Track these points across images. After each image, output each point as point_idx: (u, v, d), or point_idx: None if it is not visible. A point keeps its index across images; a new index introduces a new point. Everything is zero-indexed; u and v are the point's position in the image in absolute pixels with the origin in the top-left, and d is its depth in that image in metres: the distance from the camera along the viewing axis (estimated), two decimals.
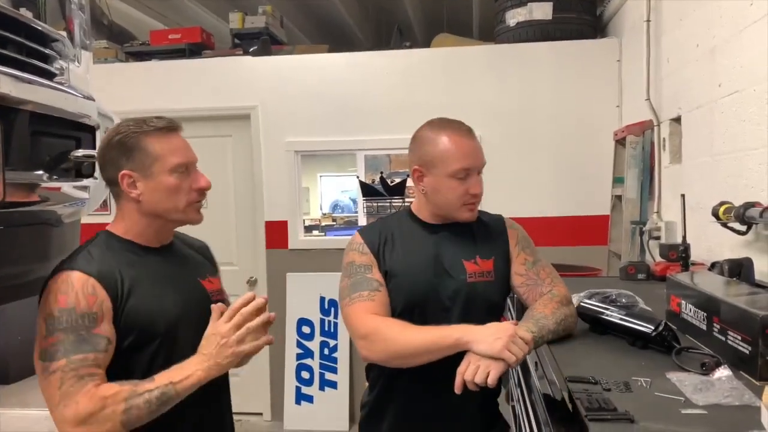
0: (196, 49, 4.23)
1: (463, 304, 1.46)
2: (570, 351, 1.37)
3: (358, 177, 4.04)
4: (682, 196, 2.00)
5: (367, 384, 1.58)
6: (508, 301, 2.38)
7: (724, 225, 1.88)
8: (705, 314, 1.32)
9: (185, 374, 1.18)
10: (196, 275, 1.40)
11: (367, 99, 3.86)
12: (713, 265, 1.96)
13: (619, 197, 3.11)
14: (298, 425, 3.85)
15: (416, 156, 1.51)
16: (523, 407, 1.84)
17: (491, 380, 1.24)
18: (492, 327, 1.29)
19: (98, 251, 1.25)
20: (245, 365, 1.32)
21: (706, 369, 1.16)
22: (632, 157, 2.82)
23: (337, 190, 9.44)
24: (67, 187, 1.30)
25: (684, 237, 1.98)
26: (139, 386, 1.15)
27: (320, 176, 9.54)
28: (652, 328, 1.31)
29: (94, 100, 1.38)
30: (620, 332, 1.43)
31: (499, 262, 1.53)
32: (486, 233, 1.56)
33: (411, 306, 1.44)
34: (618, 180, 3.14)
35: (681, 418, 0.95)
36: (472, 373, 1.24)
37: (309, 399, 3.90)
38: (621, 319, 1.41)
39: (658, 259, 2.42)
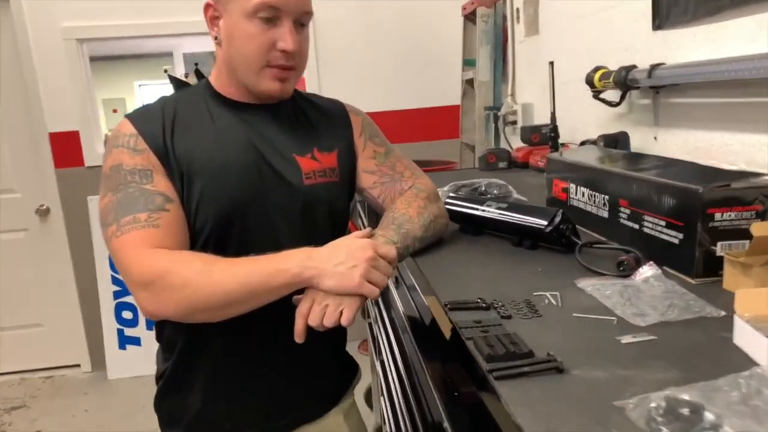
0: None
1: (300, 216, 1.02)
2: (441, 262, 1.01)
3: (166, 70, 3.30)
4: (551, 63, 1.70)
5: (159, 346, 1.10)
6: (359, 206, 2.00)
7: (596, 96, 1.62)
8: (606, 197, 1.03)
9: None
10: None
11: None
12: (583, 145, 1.72)
13: (470, 82, 2.81)
14: (125, 372, 3.28)
15: None
16: (382, 328, 1.51)
17: (346, 320, 0.85)
18: (341, 248, 0.87)
19: None
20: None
21: (625, 269, 0.86)
22: (484, 33, 2.49)
23: None
24: None
25: (553, 113, 1.70)
26: None
27: (139, 85, 8.30)
28: (546, 222, 0.98)
29: None
30: (502, 231, 1.10)
31: (344, 157, 1.10)
32: (322, 119, 1.11)
33: (225, 224, 0.97)
34: (468, 63, 2.82)
35: (625, 352, 0.63)
36: (318, 316, 0.84)
37: (135, 341, 3.32)
38: (503, 214, 1.07)
39: (518, 144, 2.18)
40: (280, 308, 0.88)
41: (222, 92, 1.03)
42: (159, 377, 1.09)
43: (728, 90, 1.24)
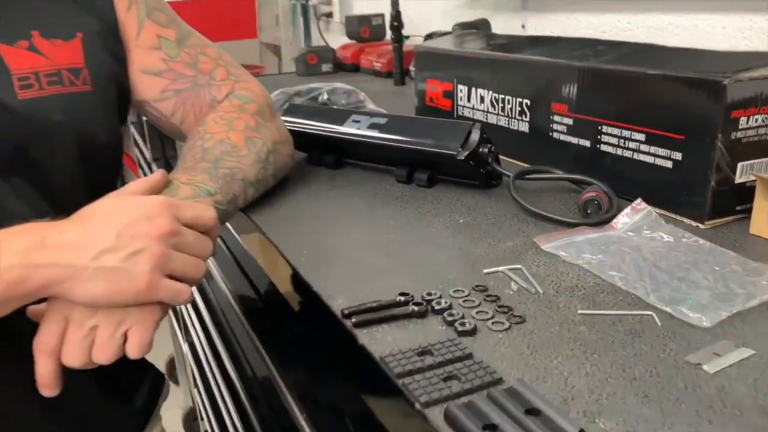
0: None
1: (17, 159, 0.53)
2: (296, 219, 0.62)
3: None
4: None
5: None
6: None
7: None
8: (526, 101, 0.71)
9: None
10: None
11: None
12: (429, 38, 1.40)
13: None
14: None
15: None
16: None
17: (138, 349, 0.46)
18: (108, 217, 0.45)
19: None
20: None
21: (595, 213, 0.56)
22: None
23: None
24: None
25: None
26: None
27: None
28: (458, 145, 0.64)
29: None
30: (379, 161, 0.73)
31: (96, 47, 0.60)
32: None
33: None
34: None
35: (736, 401, 0.32)
36: (80, 350, 0.45)
37: None
38: (385, 136, 0.70)
39: (339, 41, 1.79)
40: (13, 326, 0.44)
41: None
42: None
43: None
